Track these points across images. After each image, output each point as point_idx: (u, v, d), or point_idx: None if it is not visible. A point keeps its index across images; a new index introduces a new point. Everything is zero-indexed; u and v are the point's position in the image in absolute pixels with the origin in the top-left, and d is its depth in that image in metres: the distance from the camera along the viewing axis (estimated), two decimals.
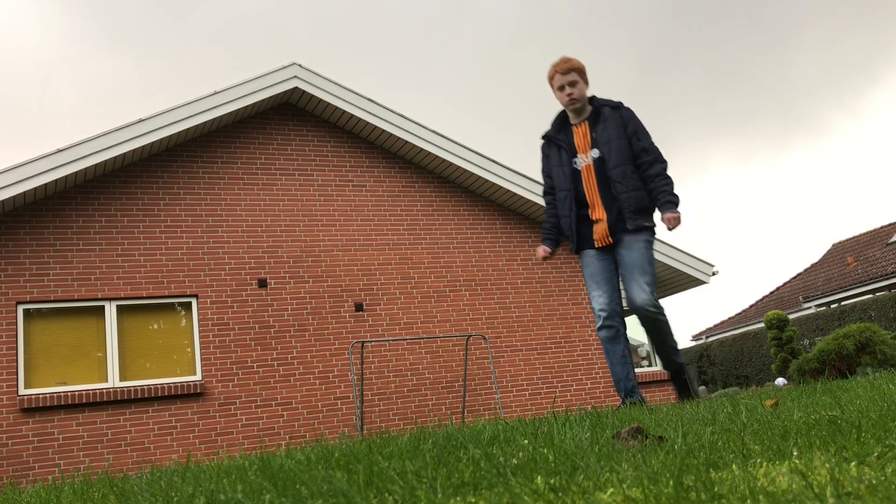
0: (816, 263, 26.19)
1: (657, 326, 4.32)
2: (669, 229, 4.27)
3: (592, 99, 4.57)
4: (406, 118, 9.54)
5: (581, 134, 4.53)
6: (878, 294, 18.99)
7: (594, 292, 4.45)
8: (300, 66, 9.19)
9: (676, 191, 4.36)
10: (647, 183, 4.36)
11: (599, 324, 4.44)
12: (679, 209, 4.28)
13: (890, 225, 24.19)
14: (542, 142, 4.73)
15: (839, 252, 25.49)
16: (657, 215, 4.47)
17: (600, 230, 4.40)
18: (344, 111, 9.40)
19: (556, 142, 4.58)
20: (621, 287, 4.48)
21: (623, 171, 4.34)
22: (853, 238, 25.66)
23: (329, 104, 9.36)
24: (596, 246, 4.44)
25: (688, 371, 4.56)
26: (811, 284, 24.44)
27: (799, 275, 26.52)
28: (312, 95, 9.31)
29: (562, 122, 4.63)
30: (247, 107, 9.01)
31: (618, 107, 4.53)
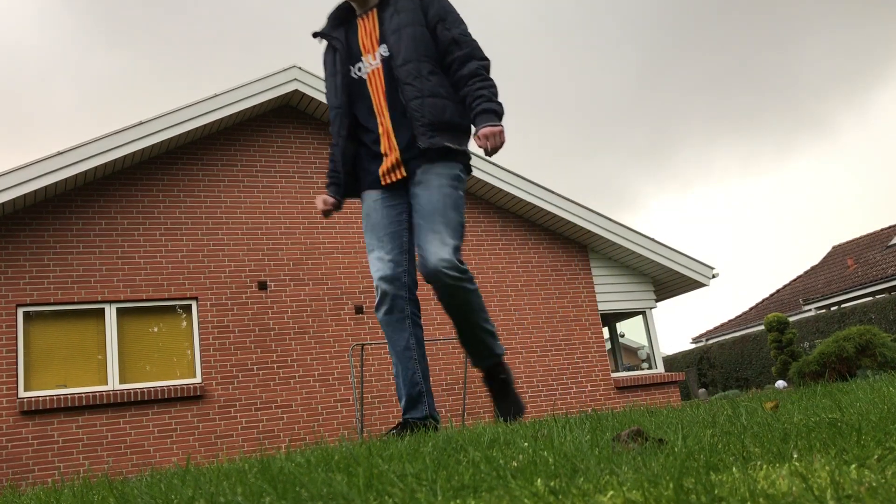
0: (816, 266, 26.20)
1: (460, 299, 3.00)
2: (487, 151, 2.97)
3: None
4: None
5: (367, 28, 3.19)
6: (877, 296, 18.99)
7: (373, 253, 3.10)
8: (300, 68, 9.20)
9: (500, 98, 3.03)
10: (459, 87, 3.04)
11: (378, 299, 3.11)
12: (502, 122, 2.97)
13: (890, 227, 24.21)
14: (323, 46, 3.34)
15: (839, 254, 25.51)
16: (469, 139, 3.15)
17: (388, 161, 3.08)
18: None
19: (331, 42, 3.24)
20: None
21: (416, 68, 3.00)
22: (853, 240, 25.68)
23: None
24: (382, 183, 3.11)
25: (508, 370, 3.17)
26: (811, 287, 24.44)
27: (799, 277, 26.53)
28: (312, 98, 9.31)
29: (343, 15, 3.27)
30: (247, 109, 9.02)
31: None
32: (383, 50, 3.10)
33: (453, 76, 3.06)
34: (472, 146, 3.53)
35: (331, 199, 3.25)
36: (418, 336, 3.16)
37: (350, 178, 3.22)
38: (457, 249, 2.96)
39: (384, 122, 3.08)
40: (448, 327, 9.45)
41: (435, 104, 2.98)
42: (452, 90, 3.06)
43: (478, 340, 3.12)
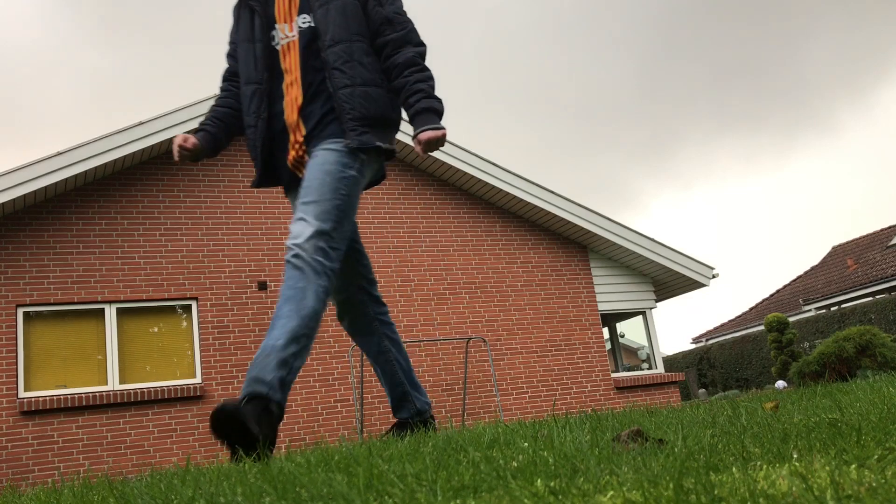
0: (816, 266, 26.20)
1: (295, 284, 2.46)
2: (424, 152, 2.63)
3: None
4: (406, 121, 9.54)
5: None
6: (877, 297, 19.00)
7: None
8: None
9: (438, 92, 2.67)
10: (391, 76, 2.68)
11: (337, 309, 2.89)
12: (442, 123, 2.62)
13: (890, 227, 24.21)
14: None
15: (839, 255, 25.51)
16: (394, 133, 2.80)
17: (295, 151, 2.73)
18: None
19: (248, 1, 2.83)
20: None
21: (348, 50, 2.64)
22: (853, 241, 25.68)
23: None
24: (299, 176, 2.78)
25: (273, 398, 2.48)
26: (811, 287, 24.44)
27: (799, 277, 26.53)
28: None
29: None
30: None
31: None
32: (301, 21, 2.71)
33: (385, 61, 2.69)
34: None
35: (193, 140, 2.81)
36: (390, 334, 2.88)
37: (267, 167, 2.81)
38: (320, 234, 2.50)
39: (293, 106, 2.68)
40: (448, 327, 9.45)
41: (367, 95, 2.62)
42: (382, 76, 2.70)
43: (276, 353, 2.44)
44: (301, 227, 2.51)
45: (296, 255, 2.48)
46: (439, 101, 2.66)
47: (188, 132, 2.88)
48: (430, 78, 2.68)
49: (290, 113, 2.69)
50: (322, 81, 2.66)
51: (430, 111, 2.60)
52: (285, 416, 8.47)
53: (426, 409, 2.92)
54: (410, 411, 2.88)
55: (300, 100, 2.68)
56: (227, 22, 3.02)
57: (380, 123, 2.66)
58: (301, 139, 2.69)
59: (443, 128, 2.60)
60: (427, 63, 2.73)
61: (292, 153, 2.73)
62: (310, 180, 2.58)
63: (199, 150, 2.84)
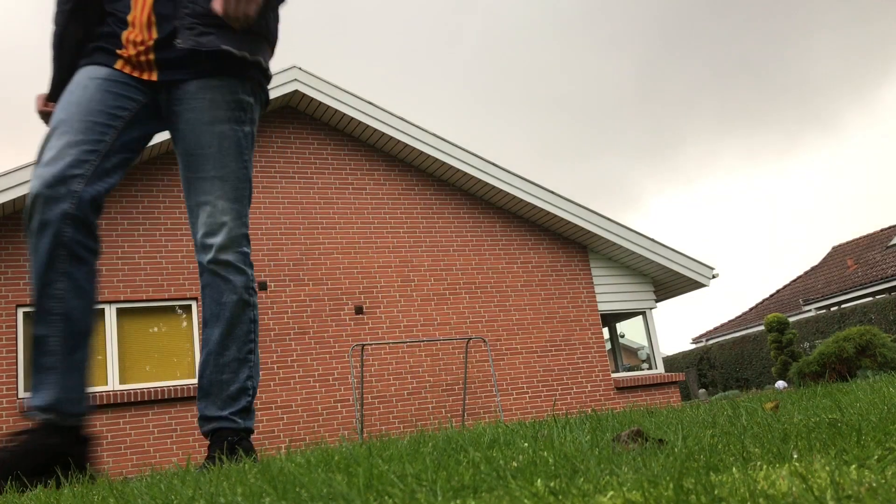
0: (816, 266, 26.21)
1: (221, 301, 2.31)
2: (224, 15, 1.95)
3: None
4: (406, 121, 9.55)
5: None
6: (877, 297, 19.00)
7: (52, 142, 1.96)
8: (300, 69, 9.20)
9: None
10: None
11: (28, 207, 1.92)
12: None
13: (890, 228, 24.22)
14: None
15: (839, 255, 25.51)
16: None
17: (134, 49, 2.07)
18: (344, 114, 9.41)
19: None
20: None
21: None
22: (853, 241, 25.69)
23: (329, 107, 9.37)
24: (115, 67, 2.07)
25: (246, 444, 2.20)
26: (811, 287, 24.45)
27: (799, 277, 26.54)
28: (312, 98, 9.32)
29: None
30: None
31: None
32: None
33: None
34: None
35: (52, 103, 2.20)
36: (77, 278, 1.99)
37: (67, 74, 2.12)
38: (240, 220, 2.14)
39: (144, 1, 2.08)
40: (448, 327, 9.44)
41: None
42: None
43: (226, 376, 2.24)
44: (216, 224, 2.11)
45: (221, 265, 2.20)
46: None
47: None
48: None
49: (136, 6, 2.07)
50: None
51: None
52: (285, 416, 8.49)
53: (69, 408, 2.12)
54: (42, 399, 2.03)
55: None
56: None
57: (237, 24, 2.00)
58: (150, 43, 2.06)
59: None
60: None
61: (130, 51, 2.07)
62: (203, 146, 2.08)
63: None
